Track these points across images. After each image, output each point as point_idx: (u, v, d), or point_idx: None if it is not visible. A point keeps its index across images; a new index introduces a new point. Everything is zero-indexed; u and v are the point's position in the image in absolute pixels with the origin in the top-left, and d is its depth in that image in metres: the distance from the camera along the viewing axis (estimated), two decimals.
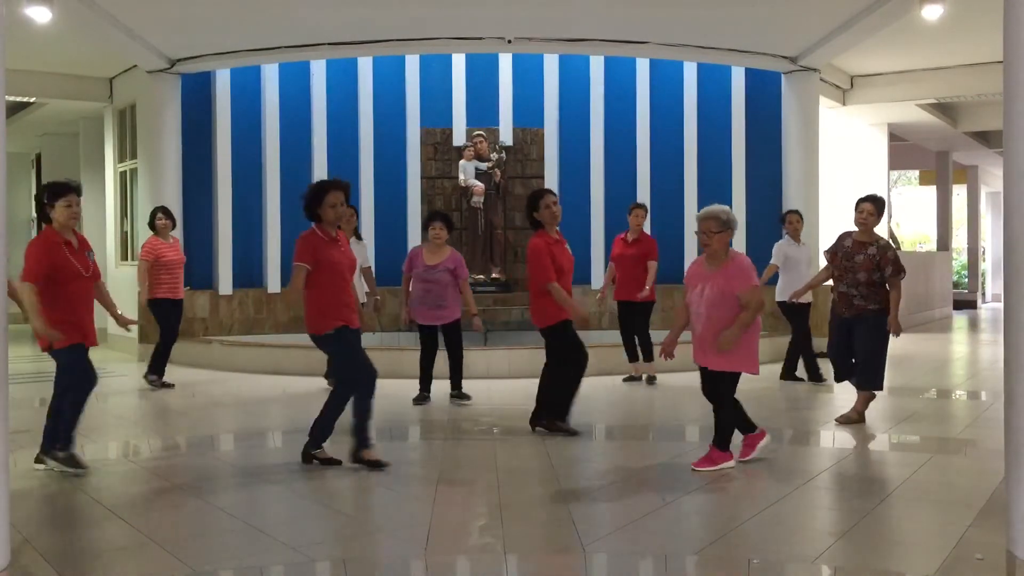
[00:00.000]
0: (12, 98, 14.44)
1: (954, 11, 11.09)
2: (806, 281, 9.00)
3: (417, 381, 8.94)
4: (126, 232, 14.58)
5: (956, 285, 25.08)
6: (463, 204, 13.07)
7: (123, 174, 14.62)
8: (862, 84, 16.08)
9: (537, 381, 7.36)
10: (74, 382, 6.11)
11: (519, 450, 6.94)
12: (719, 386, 6.04)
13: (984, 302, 26.73)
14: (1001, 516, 4.45)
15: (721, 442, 6.05)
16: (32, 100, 15.14)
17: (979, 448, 6.77)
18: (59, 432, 6.10)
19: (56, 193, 6.04)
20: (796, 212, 10.39)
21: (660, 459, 6.57)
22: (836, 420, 7.71)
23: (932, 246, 24.06)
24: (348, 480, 5.96)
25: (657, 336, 9.46)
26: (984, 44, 13.41)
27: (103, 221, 15.39)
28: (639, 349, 10.12)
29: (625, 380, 10.15)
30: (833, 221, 13.23)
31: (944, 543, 4.47)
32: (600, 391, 9.33)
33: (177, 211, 12.54)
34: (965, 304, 24.25)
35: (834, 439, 7.12)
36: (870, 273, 7.48)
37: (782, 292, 9.82)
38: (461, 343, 8.92)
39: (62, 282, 5.95)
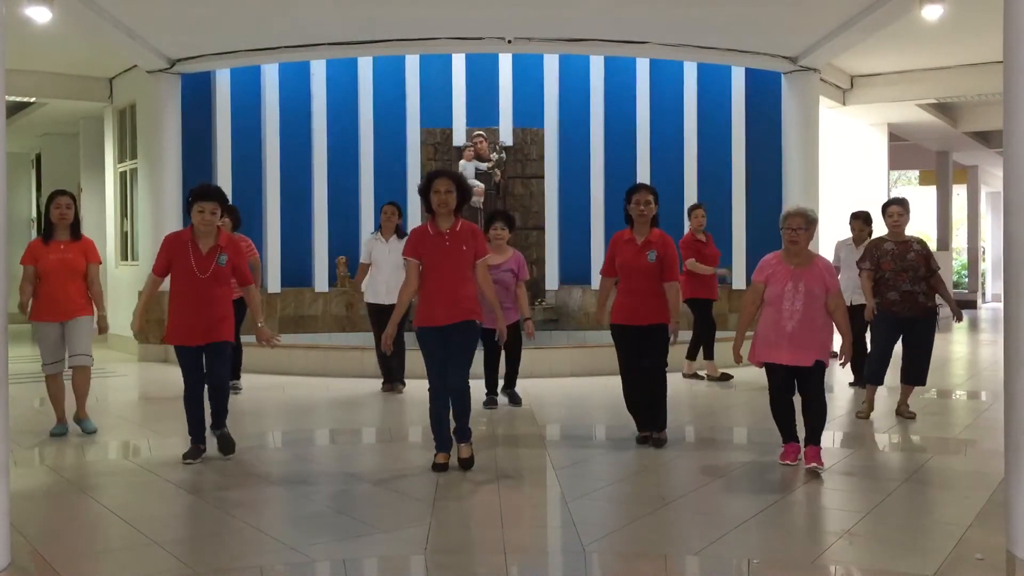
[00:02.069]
0: (12, 98, 14.44)
1: (954, 11, 11.09)
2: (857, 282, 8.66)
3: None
4: (126, 232, 14.58)
5: (956, 285, 25.12)
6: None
7: (123, 174, 14.61)
8: (862, 84, 16.08)
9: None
10: (184, 380, 6.37)
11: (519, 450, 6.95)
12: (815, 379, 6.04)
13: (984, 302, 26.75)
14: (1001, 516, 4.46)
15: (818, 436, 6.04)
16: (32, 100, 15.14)
17: (979, 448, 6.77)
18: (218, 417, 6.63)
19: (193, 198, 6.24)
20: (865, 214, 9.71)
21: (661, 459, 6.56)
22: (898, 413, 7.94)
23: (932, 246, 24.05)
24: (347, 480, 5.96)
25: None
26: (984, 44, 13.41)
27: (103, 221, 15.40)
28: (702, 346, 10.29)
29: (711, 380, 10.18)
30: (833, 221, 13.23)
31: (944, 543, 4.48)
32: (596, 391, 9.34)
33: (177, 212, 12.56)
34: (965, 304, 24.25)
35: (834, 440, 7.11)
36: (926, 269, 7.65)
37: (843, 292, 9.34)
38: (521, 342, 8.67)
39: (175, 279, 6.25)
